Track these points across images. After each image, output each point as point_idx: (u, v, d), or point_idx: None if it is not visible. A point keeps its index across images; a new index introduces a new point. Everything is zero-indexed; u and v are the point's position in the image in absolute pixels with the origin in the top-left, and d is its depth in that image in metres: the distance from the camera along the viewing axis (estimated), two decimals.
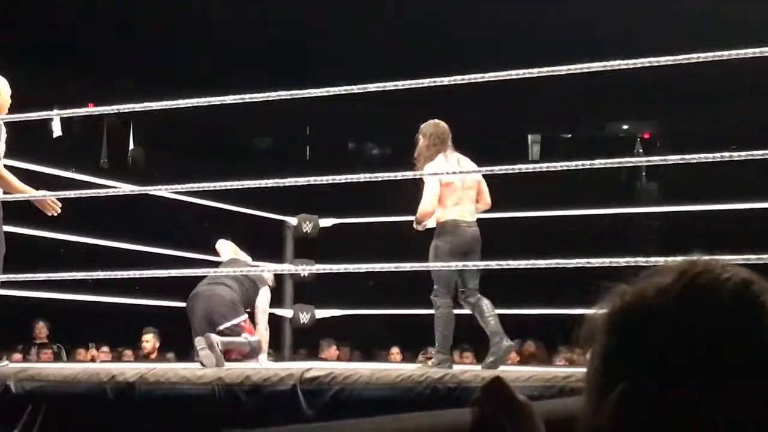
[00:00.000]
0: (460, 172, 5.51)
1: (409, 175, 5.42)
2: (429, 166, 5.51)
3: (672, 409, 0.88)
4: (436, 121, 5.69)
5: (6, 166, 5.59)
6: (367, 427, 1.19)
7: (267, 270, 6.58)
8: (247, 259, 6.80)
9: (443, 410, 1.54)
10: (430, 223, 5.57)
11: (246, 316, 6.19)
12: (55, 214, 5.57)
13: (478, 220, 5.65)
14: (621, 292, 0.95)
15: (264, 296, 6.37)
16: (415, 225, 5.64)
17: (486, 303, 5.40)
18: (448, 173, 5.48)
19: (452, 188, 5.52)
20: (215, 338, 5.78)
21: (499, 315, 5.43)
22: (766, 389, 0.87)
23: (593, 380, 0.95)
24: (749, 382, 0.87)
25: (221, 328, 6.01)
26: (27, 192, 5.54)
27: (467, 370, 4.81)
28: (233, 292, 6.15)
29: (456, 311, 5.54)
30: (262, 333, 6.32)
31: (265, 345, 6.46)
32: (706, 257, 0.95)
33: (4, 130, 5.53)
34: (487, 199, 5.73)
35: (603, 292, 0.96)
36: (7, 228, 5.64)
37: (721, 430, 0.87)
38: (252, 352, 6.18)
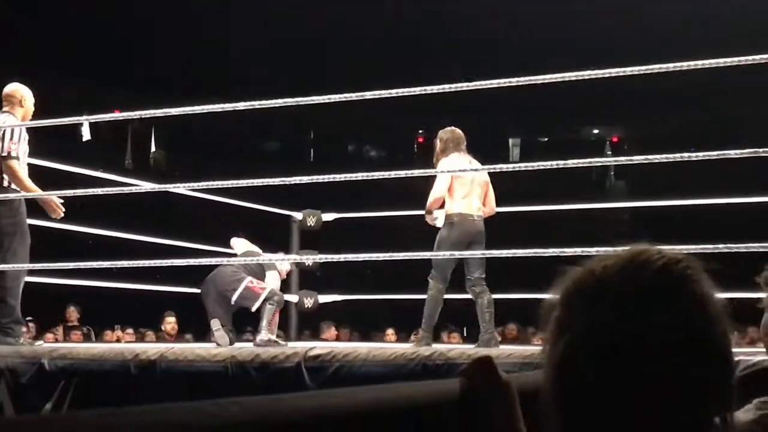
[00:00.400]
0: (451, 171, 5.48)
1: (401, 174, 5.42)
2: (442, 162, 5.55)
3: (607, 366, 0.91)
4: (452, 128, 5.74)
5: (35, 166, 5.54)
6: (366, 395, 1.19)
7: (279, 261, 6.55)
8: (259, 251, 6.78)
9: (434, 380, 1.54)
10: (439, 221, 5.53)
11: (250, 277, 6.06)
12: (58, 218, 5.49)
13: None
14: (572, 273, 0.99)
15: (271, 277, 6.26)
16: (426, 217, 5.59)
17: (486, 299, 5.35)
18: (442, 172, 5.46)
19: (462, 181, 5.51)
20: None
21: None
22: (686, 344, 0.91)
23: (549, 353, 0.97)
24: (671, 341, 0.91)
25: (233, 301, 5.99)
26: (37, 192, 5.45)
27: (454, 348, 4.83)
28: (234, 267, 6.09)
29: (448, 296, 5.52)
30: (269, 282, 6.18)
31: (274, 327, 6.43)
32: (652, 246, 0.99)
33: (25, 133, 5.47)
34: (492, 204, 5.68)
35: (559, 276, 0.99)
36: (36, 222, 5.60)
37: (647, 385, 0.90)
38: (278, 304, 6.10)
